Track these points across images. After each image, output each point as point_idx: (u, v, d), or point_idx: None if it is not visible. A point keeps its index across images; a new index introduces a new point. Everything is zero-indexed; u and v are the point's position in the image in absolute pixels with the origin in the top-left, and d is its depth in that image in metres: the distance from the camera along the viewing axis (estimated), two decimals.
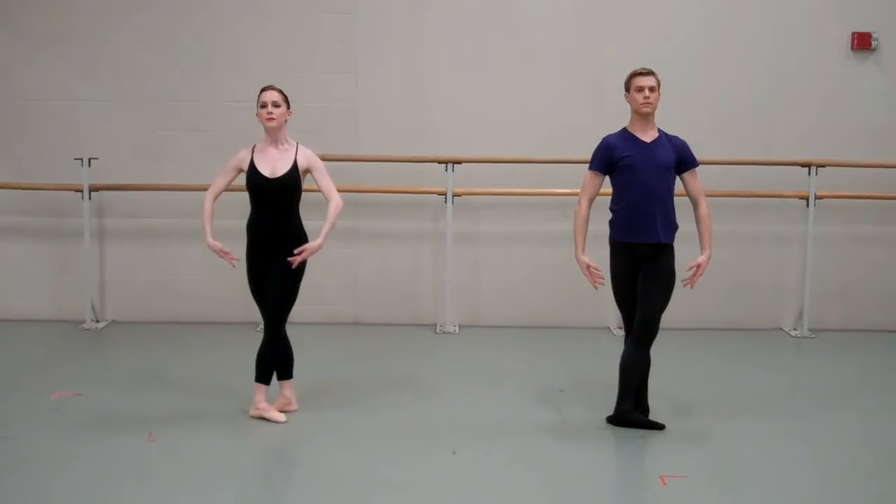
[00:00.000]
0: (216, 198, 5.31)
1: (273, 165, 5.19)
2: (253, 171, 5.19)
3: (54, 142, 7.49)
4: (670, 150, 5.15)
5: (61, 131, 7.50)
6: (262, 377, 5.29)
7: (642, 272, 5.15)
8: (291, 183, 5.18)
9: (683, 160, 5.17)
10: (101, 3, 7.43)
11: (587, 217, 5.21)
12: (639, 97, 5.12)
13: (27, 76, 7.49)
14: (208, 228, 5.27)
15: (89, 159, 7.29)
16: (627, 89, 5.20)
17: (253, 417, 5.27)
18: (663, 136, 5.20)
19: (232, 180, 5.34)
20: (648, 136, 5.16)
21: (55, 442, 4.90)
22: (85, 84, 7.48)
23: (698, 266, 5.14)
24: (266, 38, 7.45)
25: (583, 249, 5.19)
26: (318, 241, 5.13)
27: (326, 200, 5.23)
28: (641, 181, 5.07)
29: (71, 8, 7.43)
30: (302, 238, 5.24)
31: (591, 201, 5.23)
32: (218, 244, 5.22)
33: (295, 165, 5.20)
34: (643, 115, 5.16)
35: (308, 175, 5.26)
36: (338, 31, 7.46)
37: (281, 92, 5.27)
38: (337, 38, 7.47)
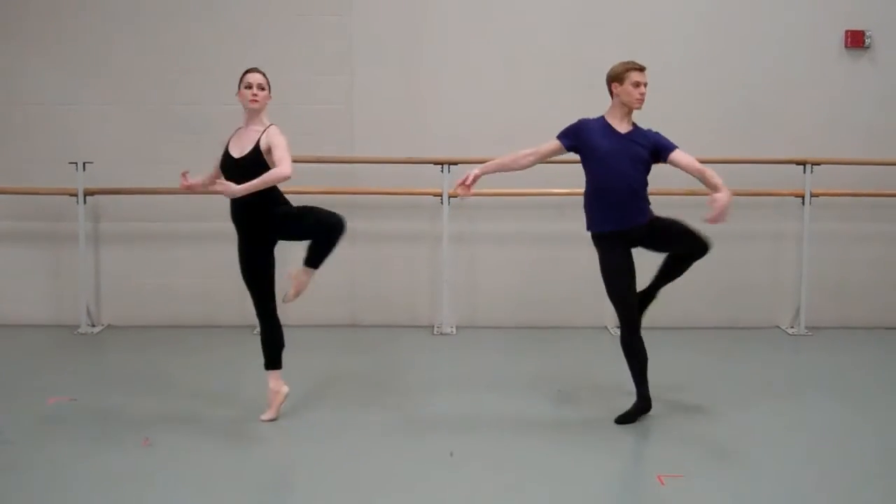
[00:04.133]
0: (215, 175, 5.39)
1: (242, 146, 5.16)
2: (224, 153, 5.22)
3: (49, 145, 7.47)
4: (644, 142, 5.16)
5: (56, 135, 7.48)
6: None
7: (650, 241, 5.22)
8: (252, 163, 5.05)
9: (658, 149, 5.15)
10: (96, 6, 7.42)
11: (516, 160, 5.34)
12: (635, 92, 5.13)
13: (21, 79, 7.47)
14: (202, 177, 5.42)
15: (84, 163, 7.28)
16: (620, 81, 5.17)
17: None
18: (638, 129, 5.22)
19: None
20: (624, 128, 5.19)
21: (52, 447, 4.88)
22: (79, 87, 7.46)
23: (716, 201, 4.94)
24: (261, 39, 7.44)
25: (486, 170, 5.29)
26: (236, 188, 4.94)
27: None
28: (616, 170, 5.10)
29: (65, 11, 7.41)
30: (278, 207, 5.17)
31: (536, 158, 5.31)
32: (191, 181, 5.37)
33: (257, 146, 5.09)
34: (630, 110, 5.18)
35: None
36: (333, 32, 7.46)
37: (265, 75, 5.26)
38: (332, 40, 7.46)
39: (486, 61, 7.49)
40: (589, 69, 7.41)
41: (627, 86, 5.13)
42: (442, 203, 7.34)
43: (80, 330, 7.41)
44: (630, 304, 5.22)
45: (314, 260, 5.29)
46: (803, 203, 7.41)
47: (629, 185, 5.11)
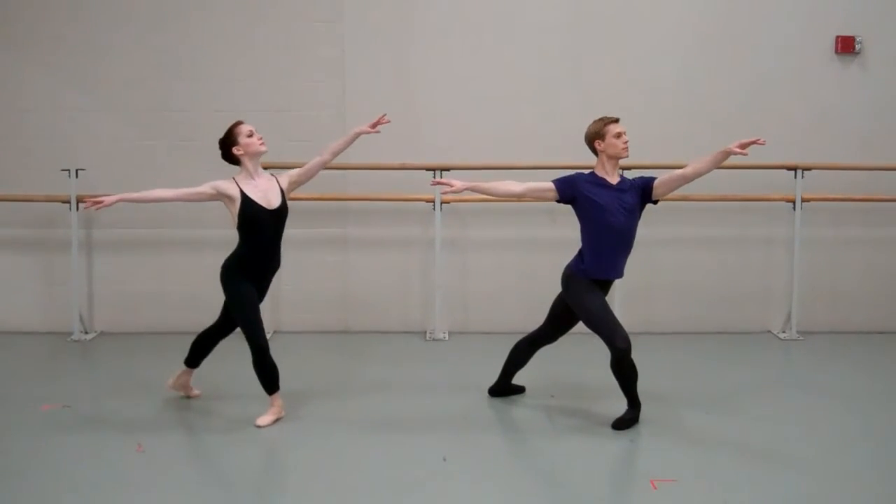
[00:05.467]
0: (176, 199, 5.24)
1: (266, 197, 5.24)
2: (251, 204, 5.19)
3: (41, 152, 7.47)
4: (631, 189, 5.31)
5: (48, 142, 7.48)
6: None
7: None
8: (287, 211, 5.33)
9: (645, 189, 5.31)
10: (88, 12, 7.42)
11: (509, 191, 5.34)
12: (619, 143, 5.27)
13: (14, 86, 7.47)
14: (129, 195, 5.25)
15: (77, 170, 7.27)
16: (601, 137, 5.27)
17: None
18: (624, 179, 5.37)
19: (203, 199, 5.27)
20: (615, 179, 5.33)
21: (45, 454, 4.88)
22: (71, 94, 7.46)
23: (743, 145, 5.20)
24: (253, 46, 7.45)
25: (473, 188, 5.31)
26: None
27: (318, 164, 5.52)
28: (611, 222, 5.23)
29: (57, 18, 7.41)
30: None
31: (526, 192, 5.34)
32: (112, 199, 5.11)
33: (283, 192, 5.33)
34: (618, 160, 5.32)
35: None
36: (325, 38, 7.47)
37: None
38: (324, 46, 7.48)
39: (478, 67, 7.51)
40: (581, 75, 7.48)
41: (610, 139, 5.27)
42: (434, 209, 7.35)
43: (73, 337, 7.40)
44: (621, 330, 5.26)
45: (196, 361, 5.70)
46: (794, 208, 7.44)
47: (626, 238, 5.29)
